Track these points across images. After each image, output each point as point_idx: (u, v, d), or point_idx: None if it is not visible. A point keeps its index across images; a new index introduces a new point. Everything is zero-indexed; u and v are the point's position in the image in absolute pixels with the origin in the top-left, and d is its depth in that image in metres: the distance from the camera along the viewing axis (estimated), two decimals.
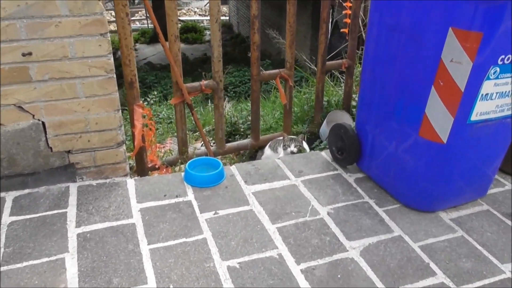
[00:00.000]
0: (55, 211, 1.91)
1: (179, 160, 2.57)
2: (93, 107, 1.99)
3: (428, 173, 1.94)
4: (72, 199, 2.00)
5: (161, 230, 1.84)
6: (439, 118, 1.77)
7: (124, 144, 2.13)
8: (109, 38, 1.89)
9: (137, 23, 17.58)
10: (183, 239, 1.80)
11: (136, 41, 14.78)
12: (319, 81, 2.83)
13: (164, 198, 2.04)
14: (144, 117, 2.36)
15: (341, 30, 2.96)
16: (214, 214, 1.95)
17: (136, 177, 2.22)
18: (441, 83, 1.70)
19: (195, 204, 2.02)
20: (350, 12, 2.78)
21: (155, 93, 6.27)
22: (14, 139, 1.93)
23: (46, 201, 1.97)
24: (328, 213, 1.98)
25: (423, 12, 1.70)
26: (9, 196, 1.99)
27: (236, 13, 14.77)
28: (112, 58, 1.93)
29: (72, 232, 1.81)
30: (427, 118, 1.80)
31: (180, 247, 1.76)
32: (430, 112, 1.78)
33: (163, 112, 4.94)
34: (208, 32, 15.89)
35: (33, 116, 1.92)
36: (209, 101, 5.73)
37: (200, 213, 1.95)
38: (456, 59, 1.64)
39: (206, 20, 18.24)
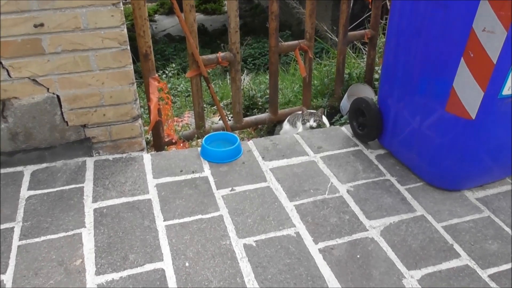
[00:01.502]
0: (72, 186, 1.91)
1: (196, 135, 2.52)
2: (107, 81, 1.94)
3: (454, 150, 1.85)
4: (89, 174, 1.99)
5: (177, 206, 1.82)
6: (468, 92, 1.67)
7: (140, 119, 2.10)
8: (122, 8, 1.83)
9: None
10: (199, 216, 1.77)
11: (155, 12, 14.64)
12: (340, 52, 2.72)
13: (181, 174, 2.01)
14: (160, 90, 2.31)
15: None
16: (230, 190, 1.92)
17: (152, 152, 2.19)
18: (472, 55, 1.59)
19: (211, 180, 1.98)
20: None
21: (173, 65, 6.21)
22: (30, 113, 1.91)
23: (63, 175, 1.97)
24: (348, 191, 1.92)
25: None
26: (27, 170, 1.99)
27: None
28: (125, 29, 1.87)
29: (89, 207, 1.80)
30: (455, 92, 1.70)
31: (196, 223, 1.73)
32: (458, 86, 1.68)
33: (181, 85, 4.88)
34: (226, 2, 15.63)
35: (48, 89, 1.89)
36: (228, 74, 5.64)
37: (217, 190, 1.92)
38: (489, 28, 1.52)
39: None
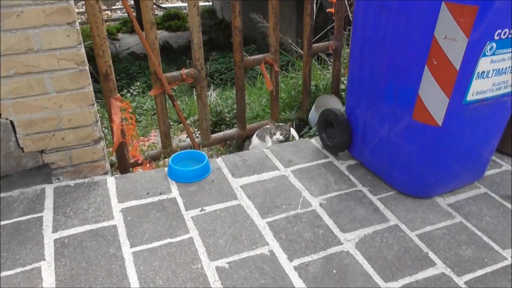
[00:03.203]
0: (30, 216, 1.79)
1: (163, 155, 2.45)
2: (65, 103, 1.85)
3: (423, 157, 1.85)
4: (48, 202, 1.87)
5: (145, 231, 1.73)
6: (433, 99, 1.67)
7: (102, 141, 2.01)
8: (78, 28, 1.75)
9: (119, 12, 17.18)
10: (168, 240, 1.69)
11: (118, 30, 14.47)
12: (306, 64, 2.71)
13: (147, 196, 1.93)
14: (123, 110, 2.23)
15: (327, 10, 2.84)
16: (200, 211, 1.85)
17: (117, 175, 2.10)
18: (435, 62, 1.60)
19: (180, 201, 1.90)
20: None
21: (138, 84, 6.11)
22: None
23: (20, 205, 1.85)
24: (321, 204, 1.89)
25: None
26: None
27: None
28: (82, 49, 1.79)
29: (49, 238, 1.69)
30: (420, 100, 1.70)
31: (165, 248, 1.65)
32: (424, 94, 1.68)
33: (147, 103, 4.78)
34: None
35: (0, 115, 1.78)
36: (194, 90, 5.58)
37: (186, 211, 1.85)
38: (450, 35, 1.53)
39: None
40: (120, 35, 14.08)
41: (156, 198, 1.92)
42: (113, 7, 18.22)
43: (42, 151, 1.91)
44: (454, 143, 1.79)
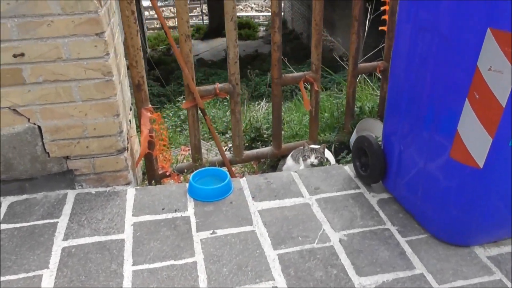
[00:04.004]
0: (47, 221, 1.82)
1: (192, 168, 2.41)
2: (90, 112, 1.87)
3: (461, 199, 1.64)
4: (67, 208, 1.90)
5: (150, 249, 1.69)
6: (474, 138, 1.47)
7: (126, 152, 2.00)
8: (106, 39, 1.76)
9: (194, 19, 17.79)
10: (172, 261, 1.63)
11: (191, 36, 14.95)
12: (350, 85, 2.55)
13: (162, 212, 1.89)
14: (153, 121, 2.22)
15: (380, 28, 2.66)
16: (211, 233, 1.77)
17: (138, 187, 2.09)
18: (477, 96, 1.40)
19: (193, 220, 1.84)
20: (388, 7, 2.47)
21: None
22: (10, 143, 1.85)
23: (41, 209, 1.89)
24: (340, 240, 1.73)
25: (455, 7, 1.40)
26: (6, 201, 1.92)
27: (291, 8, 14.48)
28: (109, 60, 1.80)
29: (58, 245, 1.70)
30: (459, 137, 1.50)
31: (166, 270, 1.59)
32: (463, 131, 1.48)
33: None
34: (262, 28, 15.75)
35: (29, 119, 1.83)
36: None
37: (197, 232, 1.78)
38: (495, 67, 1.33)
39: (263, 16, 18.09)
40: (192, 41, 14.55)
41: (170, 215, 1.87)
42: (190, 14, 18.90)
43: (67, 157, 1.94)
44: (498, 188, 1.56)
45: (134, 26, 2.00)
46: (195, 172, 2.09)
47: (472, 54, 1.37)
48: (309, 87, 2.53)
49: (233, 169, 2.70)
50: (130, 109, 2.33)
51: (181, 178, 2.40)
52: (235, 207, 1.93)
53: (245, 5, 21.14)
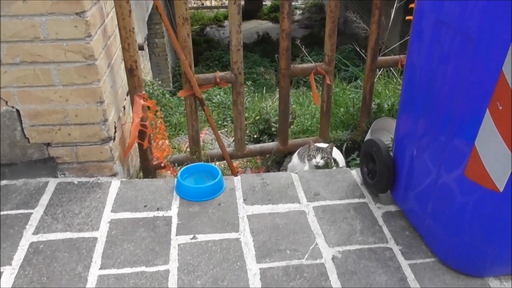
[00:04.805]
0: (21, 211, 1.71)
1: (187, 161, 2.25)
2: (71, 97, 1.73)
3: (478, 222, 1.40)
4: (45, 198, 1.78)
5: (123, 251, 1.54)
6: (494, 156, 1.23)
7: (112, 141, 1.86)
8: (88, 19, 1.60)
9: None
10: (142, 268, 1.48)
11: (225, 17, 14.74)
12: (368, 79, 2.30)
13: (143, 210, 1.74)
14: (148, 109, 2.07)
15: (407, 18, 2.38)
16: (191, 238, 1.61)
17: (123, 179, 1.94)
18: (500, 107, 1.16)
19: (174, 221, 1.69)
20: None
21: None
22: None
23: (18, 196, 1.78)
24: (333, 258, 1.53)
25: (484, 6, 1.15)
26: None
27: None
28: (92, 42, 1.64)
29: (27, 239, 1.58)
30: (476, 154, 1.26)
31: (134, 278, 1.45)
32: (481, 146, 1.24)
33: (218, 96, 4.65)
34: (298, 12, 15.31)
35: (6, 102, 1.71)
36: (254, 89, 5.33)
37: (176, 235, 1.62)
38: None
39: None
40: (226, 23, 14.32)
41: (151, 214, 1.72)
42: None
43: (48, 144, 1.81)
44: None
45: (126, 6, 1.83)
46: (184, 167, 1.93)
47: (498, 59, 1.13)
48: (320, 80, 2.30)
49: (236, 163, 2.53)
50: (127, 95, 2.18)
51: (176, 170, 2.25)
52: (223, 210, 1.75)
53: None
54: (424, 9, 1.43)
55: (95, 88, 1.72)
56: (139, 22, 4.94)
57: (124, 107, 2.14)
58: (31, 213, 1.70)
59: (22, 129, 1.77)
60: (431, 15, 1.37)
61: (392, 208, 1.78)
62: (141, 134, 2.06)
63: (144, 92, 2.04)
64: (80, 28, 1.60)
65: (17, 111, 1.73)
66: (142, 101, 2.02)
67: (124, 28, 1.87)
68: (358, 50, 3.31)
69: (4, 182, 1.85)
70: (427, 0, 1.41)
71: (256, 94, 4.80)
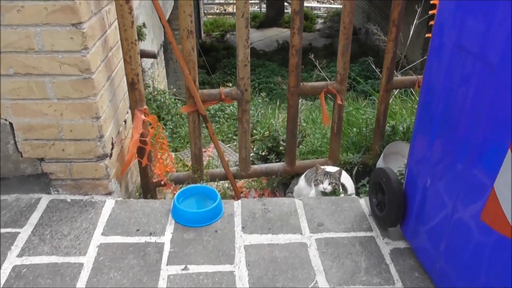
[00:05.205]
0: (8, 230, 1.63)
1: (189, 180, 2.15)
2: (66, 112, 1.65)
3: (496, 269, 1.25)
4: (35, 216, 1.70)
5: (108, 280, 1.45)
6: None
7: (108, 159, 1.77)
8: (84, 30, 1.52)
9: (255, 6, 17.49)
10: None
11: None
12: (382, 100, 2.17)
13: (135, 234, 1.65)
14: (149, 124, 1.98)
15: (426, 35, 2.25)
16: (182, 269, 1.51)
17: (118, 199, 1.85)
18: None
19: (166, 249, 1.59)
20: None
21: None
22: None
23: (7, 214, 1.71)
24: None
25: (501, 24, 1.03)
26: None
27: None
28: (88, 55, 1.56)
29: (10, 262, 1.50)
30: (495, 197, 1.13)
31: None
32: (501, 190, 1.11)
33: (230, 108, 4.56)
34: (319, 21, 15.21)
35: None
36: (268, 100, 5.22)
37: (167, 265, 1.52)
38: None
39: (324, 7, 17.48)
40: None
41: (143, 239, 1.63)
42: (250, 1, 18.63)
43: (41, 159, 1.74)
44: None
45: (128, 17, 1.75)
46: (182, 189, 1.83)
47: None
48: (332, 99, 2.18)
49: (241, 182, 2.42)
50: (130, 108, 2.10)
51: (177, 189, 2.15)
52: (219, 238, 1.65)
53: None
54: (444, 30, 1.31)
55: (91, 103, 1.64)
56: (155, 28, 4.90)
57: (125, 121, 2.06)
58: (19, 233, 1.62)
59: (15, 142, 1.70)
60: (451, 37, 1.25)
61: (401, 244, 1.64)
62: (141, 151, 1.97)
63: (145, 107, 1.95)
64: (76, 40, 1.53)
65: (10, 124, 1.66)
66: (143, 116, 1.93)
67: (126, 40, 1.79)
68: (374, 67, 3.17)
69: None
70: (446, 20, 1.29)
71: (270, 106, 4.69)
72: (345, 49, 2.02)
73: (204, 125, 2.10)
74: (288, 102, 2.11)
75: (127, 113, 2.08)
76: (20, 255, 1.53)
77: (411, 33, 2.82)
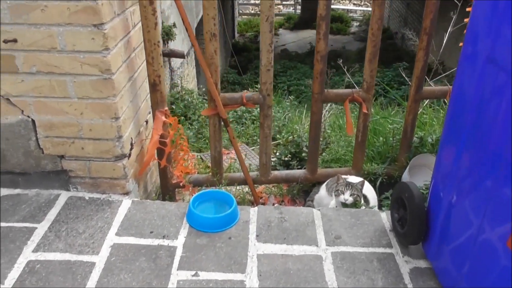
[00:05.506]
0: (26, 224, 1.66)
1: (207, 183, 2.13)
2: (86, 111, 1.66)
3: None
4: (53, 212, 1.72)
5: (118, 282, 1.44)
6: None
7: (126, 159, 1.77)
8: (106, 31, 1.52)
9: (290, 8, 17.41)
10: None
11: (280, 25, 14.68)
12: (410, 111, 2.08)
13: (148, 236, 1.64)
14: (169, 126, 1.97)
15: (460, 44, 2.14)
16: (193, 275, 1.48)
17: (135, 199, 1.85)
18: None
19: (178, 253, 1.57)
20: None
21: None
22: (3, 134, 1.71)
23: (27, 208, 1.73)
24: None
25: None
26: None
27: (389, 5, 13.53)
28: (109, 56, 1.56)
29: (25, 257, 1.52)
30: None
31: None
32: None
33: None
34: (355, 24, 14.97)
35: (22, 111, 1.67)
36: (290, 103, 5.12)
37: (177, 270, 1.50)
38: None
39: (360, 10, 17.20)
40: (280, 31, 14.26)
41: (156, 242, 1.61)
42: (284, 3, 18.61)
43: (61, 156, 1.76)
44: None
45: (151, 18, 1.74)
46: (198, 193, 1.81)
47: None
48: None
49: (261, 187, 2.38)
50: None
51: (195, 191, 2.14)
52: (232, 245, 1.61)
53: None
54: (476, 39, 1.23)
55: (110, 103, 1.64)
56: None
57: (147, 121, 2.06)
58: (36, 228, 1.64)
59: (37, 139, 1.72)
60: (483, 48, 1.18)
61: (422, 263, 1.56)
62: (161, 152, 1.96)
63: (166, 108, 1.94)
64: (98, 41, 1.53)
65: (33, 121, 1.69)
66: (163, 118, 1.93)
67: (149, 41, 1.78)
68: (404, 76, 3.06)
69: (17, 191, 1.82)
70: (479, 27, 1.21)
71: (298, 109, 4.62)
72: (372, 56, 1.95)
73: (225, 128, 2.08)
74: (312, 108, 2.05)
75: (149, 113, 2.08)
76: (35, 250, 1.55)
77: (445, 41, 2.70)
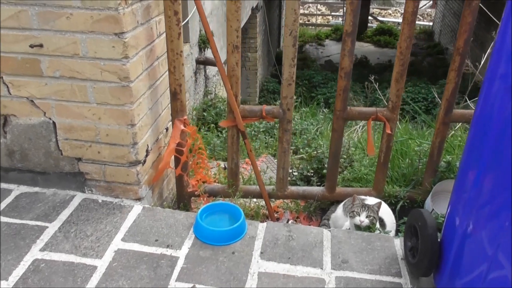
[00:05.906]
0: (38, 223, 1.71)
1: (222, 194, 2.12)
2: (104, 116, 1.70)
3: None
4: (66, 213, 1.77)
5: None
6: None
7: (140, 165, 1.80)
8: (126, 40, 1.55)
9: (340, 19, 17.26)
10: None
11: (326, 36, 14.57)
12: (438, 134, 1.98)
13: (153, 244, 1.65)
14: (188, 135, 1.98)
15: None
16: None
17: (146, 206, 1.87)
18: None
19: (179, 264, 1.56)
20: None
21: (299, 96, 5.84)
22: (26, 134, 1.78)
23: (43, 207, 1.79)
24: None
25: None
26: (16, 191, 1.87)
27: (441, 19, 13.11)
28: (128, 64, 1.59)
29: (32, 255, 1.56)
30: None
31: None
32: None
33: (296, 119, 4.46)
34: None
35: (44, 113, 1.74)
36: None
37: (175, 281, 1.50)
38: None
39: None
40: (326, 41, 14.15)
41: (159, 250, 1.62)
42: (334, 13, 18.49)
43: (79, 159, 1.81)
44: None
45: (175, 29, 1.76)
46: (207, 204, 1.81)
47: None
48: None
49: (278, 202, 2.35)
50: None
51: (210, 200, 2.13)
52: (234, 260, 1.59)
53: (395, 10, 19.93)
54: (500, 65, 1.15)
55: (127, 110, 1.67)
56: (226, 37, 4.97)
57: (167, 129, 2.09)
58: (47, 227, 1.69)
59: (57, 140, 1.78)
60: (500, 80, 1.10)
61: None
62: (177, 160, 1.98)
63: (185, 117, 1.96)
64: (118, 49, 1.56)
65: (53, 123, 1.75)
66: (182, 126, 1.94)
67: (172, 51, 1.80)
68: (436, 96, 2.93)
69: (36, 189, 1.89)
70: (503, 50, 1.13)
71: (331, 122, 4.53)
72: (399, 75, 1.88)
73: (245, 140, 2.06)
74: (333, 125, 2.00)
75: (170, 121, 2.11)
76: (43, 249, 1.59)
77: (483, 60, 2.57)
